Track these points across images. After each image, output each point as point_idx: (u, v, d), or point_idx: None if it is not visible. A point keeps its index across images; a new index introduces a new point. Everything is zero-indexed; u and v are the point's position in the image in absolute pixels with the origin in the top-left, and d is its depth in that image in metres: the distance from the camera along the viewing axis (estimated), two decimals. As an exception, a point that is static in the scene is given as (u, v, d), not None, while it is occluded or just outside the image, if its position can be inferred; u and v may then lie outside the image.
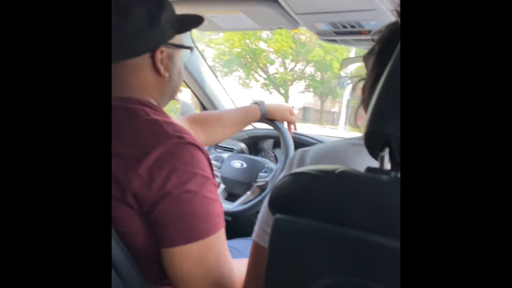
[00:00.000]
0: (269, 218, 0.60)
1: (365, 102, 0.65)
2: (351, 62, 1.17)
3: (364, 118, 0.73)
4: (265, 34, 14.77)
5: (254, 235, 0.63)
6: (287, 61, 16.44)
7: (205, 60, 1.55)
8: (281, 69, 16.54)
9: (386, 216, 0.38)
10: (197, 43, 1.49)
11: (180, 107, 1.41)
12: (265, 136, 1.56)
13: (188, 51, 0.82)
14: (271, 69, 16.66)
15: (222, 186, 1.39)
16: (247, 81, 16.79)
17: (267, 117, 1.24)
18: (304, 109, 18.47)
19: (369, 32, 0.97)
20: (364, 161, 0.59)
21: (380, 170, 0.41)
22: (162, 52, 0.74)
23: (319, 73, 17.06)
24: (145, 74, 0.74)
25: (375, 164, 0.43)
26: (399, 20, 0.63)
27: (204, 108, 1.65)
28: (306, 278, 0.43)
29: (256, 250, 0.62)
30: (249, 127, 1.45)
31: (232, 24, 1.14)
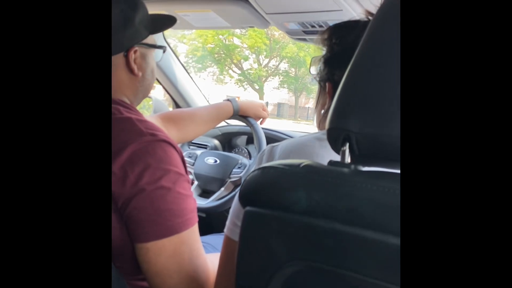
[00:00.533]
0: (240, 212, 0.62)
1: (318, 103, 0.71)
2: (319, 60, 1.20)
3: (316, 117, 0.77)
4: (238, 30, 14.73)
5: (225, 229, 0.65)
6: (261, 57, 16.46)
7: (177, 57, 1.55)
8: (255, 65, 16.55)
9: (346, 205, 0.41)
10: (170, 38, 1.49)
11: (152, 104, 1.41)
12: (238, 132, 1.58)
13: (160, 50, 0.84)
14: (246, 65, 16.65)
15: (196, 182, 1.40)
16: (221, 77, 16.72)
17: (239, 114, 1.26)
18: (279, 105, 18.56)
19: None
20: (328, 155, 0.62)
21: (341, 164, 0.44)
22: (135, 52, 0.75)
23: (293, 69, 17.17)
24: (118, 73, 0.75)
25: (339, 157, 0.46)
26: (369, 18, 0.67)
27: (177, 105, 1.66)
28: (274, 266, 0.45)
29: (228, 244, 0.63)
30: (222, 123, 1.47)
31: (204, 22, 1.15)
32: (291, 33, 1.12)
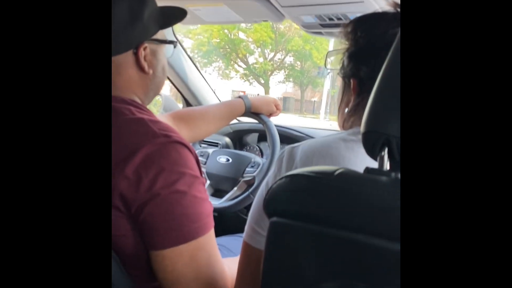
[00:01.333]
0: (261, 218, 0.60)
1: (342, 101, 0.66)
2: (336, 53, 1.16)
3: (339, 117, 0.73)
4: (243, 24, 14.69)
5: (244, 235, 0.62)
6: (267, 51, 16.41)
7: (187, 53, 1.52)
8: (261, 59, 16.51)
9: (388, 219, 0.37)
10: (175, 34, 1.46)
11: (162, 101, 1.38)
12: (250, 130, 1.55)
13: (171, 45, 0.80)
14: (251, 59, 16.64)
15: (208, 182, 1.37)
16: (227, 71, 16.72)
17: (251, 111, 1.22)
18: (285, 99, 18.53)
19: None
20: (356, 158, 0.58)
21: (380, 171, 0.40)
22: (145, 48, 0.72)
23: (298, 63, 17.12)
24: (128, 72, 0.72)
25: (368, 161, 0.43)
26: (397, 10, 0.63)
27: (186, 102, 1.63)
28: (305, 283, 0.42)
29: (247, 251, 0.62)
30: (233, 121, 1.43)
31: (215, 17, 1.11)
32: (306, 26, 1.07)
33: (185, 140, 0.67)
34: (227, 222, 1.42)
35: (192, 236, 0.62)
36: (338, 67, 0.92)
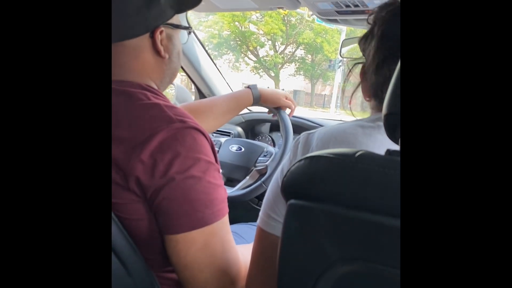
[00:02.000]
0: (275, 205, 0.60)
1: (365, 86, 0.64)
2: (352, 42, 1.15)
3: (355, 102, 0.72)
4: (255, 16, 14.63)
5: (259, 220, 0.63)
6: (277, 43, 16.34)
7: (200, 42, 1.51)
8: (271, 52, 16.45)
9: None
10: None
11: (175, 91, 1.37)
12: (262, 120, 1.55)
13: (185, 32, 0.80)
14: (261, 52, 16.57)
15: (221, 171, 1.37)
16: (237, 64, 16.69)
17: (260, 102, 1.21)
18: (295, 92, 18.46)
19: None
20: (374, 144, 0.57)
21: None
22: (161, 32, 0.72)
23: (309, 56, 17.02)
24: (145, 55, 0.72)
25: (387, 147, 0.42)
26: None
27: (199, 91, 1.63)
28: (323, 265, 0.41)
29: (262, 236, 0.62)
30: (245, 110, 1.43)
31: (230, 4, 1.11)
32: (322, 13, 1.06)
33: (200, 126, 0.67)
34: (239, 211, 1.42)
35: (206, 222, 0.63)
36: (353, 56, 0.90)
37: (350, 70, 0.71)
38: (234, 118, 1.54)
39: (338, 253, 0.41)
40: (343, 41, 1.15)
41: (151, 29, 0.71)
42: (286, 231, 0.45)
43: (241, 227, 1.20)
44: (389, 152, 0.41)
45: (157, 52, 0.72)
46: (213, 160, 0.66)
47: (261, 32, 15.30)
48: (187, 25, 0.83)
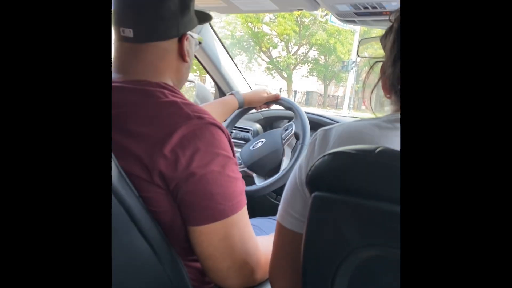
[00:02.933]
0: (293, 201, 0.62)
1: (384, 82, 0.64)
2: (369, 41, 1.18)
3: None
4: (268, 17, 14.63)
5: (278, 216, 0.65)
6: (290, 44, 16.32)
7: (220, 40, 1.57)
8: (284, 53, 16.43)
9: None
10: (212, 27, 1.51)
11: (196, 89, 1.42)
12: (280, 116, 1.58)
13: (198, 41, 0.86)
14: (274, 53, 16.53)
15: (239, 164, 1.40)
16: (250, 65, 16.69)
17: (245, 105, 1.29)
18: (307, 93, 18.41)
19: (390, 13, 0.99)
20: (390, 145, 0.58)
21: None
22: (187, 38, 0.77)
23: (322, 57, 16.96)
24: (170, 58, 0.76)
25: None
26: None
27: (218, 88, 1.68)
28: (345, 252, 0.45)
29: (281, 232, 0.64)
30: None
31: (253, 6, 1.16)
32: (341, 15, 1.10)
33: (218, 122, 0.70)
34: (256, 205, 1.46)
35: (226, 214, 0.66)
36: (372, 54, 0.92)
37: (371, 67, 0.72)
38: (253, 115, 1.59)
39: (358, 241, 0.44)
40: (361, 41, 1.18)
41: (181, 34, 0.76)
42: (311, 220, 0.48)
43: (261, 220, 1.24)
44: None
45: (181, 56, 0.78)
46: (231, 154, 0.70)
47: (274, 33, 15.31)
48: (208, 29, 0.88)
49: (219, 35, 1.60)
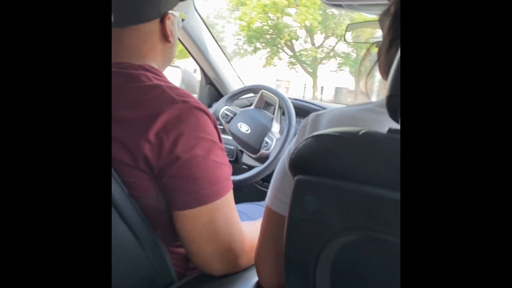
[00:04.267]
0: (282, 185, 0.65)
1: (381, 66, 0.65)
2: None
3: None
4: (288, 8, 14.51)
5: (267, 199, 0.68)
6: (316, 36, 16.15)
7: (206, 25, 1.64)
8: (308, 46, 16.29)
9: None
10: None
11: (181, 75, 1.51)
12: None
13: (180, 18, 0.90)
14: (297, 46, 16.40)
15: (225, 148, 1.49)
16: (272, 59, 16.56)
17: None
18: (337, 90, 18.20)
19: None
20: (383, 130, 0.62)
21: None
22: (169, 18, 0.81)
23: (355, 51, 16.69)
24: (153, 40, 0.81)
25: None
26: None
27: (204, 74, 1.76)
28: (327, 235, 0.47)
29: (270, 215, 0.67)
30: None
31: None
32: (327, -3, 1.14)
33: (203, 106, 0.74)
34: (243, 191, 1.55)
35: (211, 199, 0.71)
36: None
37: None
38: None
39: (341, 224, 0.47)
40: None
41: (162, 14, 0.80)
42: (293, 204, 0.51)
43: (247, 206, 1.32)
44: (390, 130, 0.47)
45: (165, 37, 0.82)
46: (216, 139, 0.74)
47: (297, 24, 15.23)
48: (191, 9, 0.93)
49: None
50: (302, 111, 1.48)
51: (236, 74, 1.80)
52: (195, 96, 1.78)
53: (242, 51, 15.81)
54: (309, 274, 0.50)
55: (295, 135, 1.32)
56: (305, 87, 16.50)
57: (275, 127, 1.41)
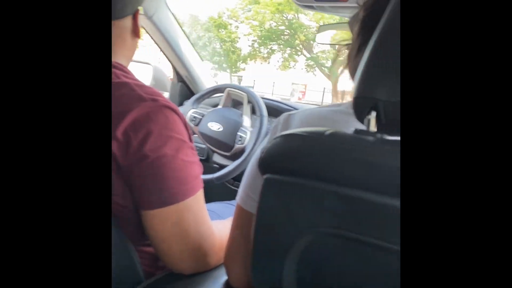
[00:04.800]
0: (253, 184, 0.67)
1: (350, 69, 0.68)
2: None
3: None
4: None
5: (238, 198, 0.70)
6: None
7: (178, 21, 1.66)
8: (327, 47, 16.09)
9: (374, 174, 0.44)
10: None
11: (152, 72, 1.54)
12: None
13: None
14: (315, 48, 16.26)
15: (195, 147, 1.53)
16: (287, 62, 16.41)
17: None
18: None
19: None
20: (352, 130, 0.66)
21: (367, 132, 0.47)
22: (138, 13, 0.82)
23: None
24: (125, 35, 0.81)
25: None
26: None
27: (176, 72, 1.80)
28: (294, 234, 0.49)
29: (240, 213, 0.69)
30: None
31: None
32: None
33: (173, 104, 0.75)
34: (213, 190, 1.55)
35: (180, 198, 0.72)
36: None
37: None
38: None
39: (308, 222, 0.49)
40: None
41: (135, 9, 0.81)
42: (262, 203, 0.53)
43: (217, 205, 1.35)
44: (356, 131, 0.49)
45: (135, 32, 0.83)
46: (186, 138, 0.75)
47: (313, 23, 15.15)
48: (162, 6, 0.94)
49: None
50: (274, 111, 1.53)
51: (203, 71, 1.85)
52: (166, 94, 1.85)
53: (258, 53, 15.79)
54: (276, 271, 0.52)
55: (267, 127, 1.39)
56: (324, 92, 16.38)
57: (246, 121, 1.45)
